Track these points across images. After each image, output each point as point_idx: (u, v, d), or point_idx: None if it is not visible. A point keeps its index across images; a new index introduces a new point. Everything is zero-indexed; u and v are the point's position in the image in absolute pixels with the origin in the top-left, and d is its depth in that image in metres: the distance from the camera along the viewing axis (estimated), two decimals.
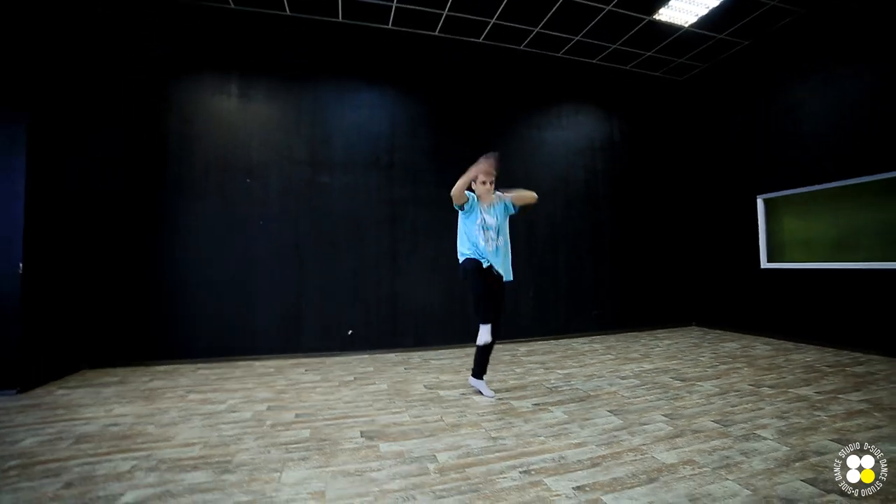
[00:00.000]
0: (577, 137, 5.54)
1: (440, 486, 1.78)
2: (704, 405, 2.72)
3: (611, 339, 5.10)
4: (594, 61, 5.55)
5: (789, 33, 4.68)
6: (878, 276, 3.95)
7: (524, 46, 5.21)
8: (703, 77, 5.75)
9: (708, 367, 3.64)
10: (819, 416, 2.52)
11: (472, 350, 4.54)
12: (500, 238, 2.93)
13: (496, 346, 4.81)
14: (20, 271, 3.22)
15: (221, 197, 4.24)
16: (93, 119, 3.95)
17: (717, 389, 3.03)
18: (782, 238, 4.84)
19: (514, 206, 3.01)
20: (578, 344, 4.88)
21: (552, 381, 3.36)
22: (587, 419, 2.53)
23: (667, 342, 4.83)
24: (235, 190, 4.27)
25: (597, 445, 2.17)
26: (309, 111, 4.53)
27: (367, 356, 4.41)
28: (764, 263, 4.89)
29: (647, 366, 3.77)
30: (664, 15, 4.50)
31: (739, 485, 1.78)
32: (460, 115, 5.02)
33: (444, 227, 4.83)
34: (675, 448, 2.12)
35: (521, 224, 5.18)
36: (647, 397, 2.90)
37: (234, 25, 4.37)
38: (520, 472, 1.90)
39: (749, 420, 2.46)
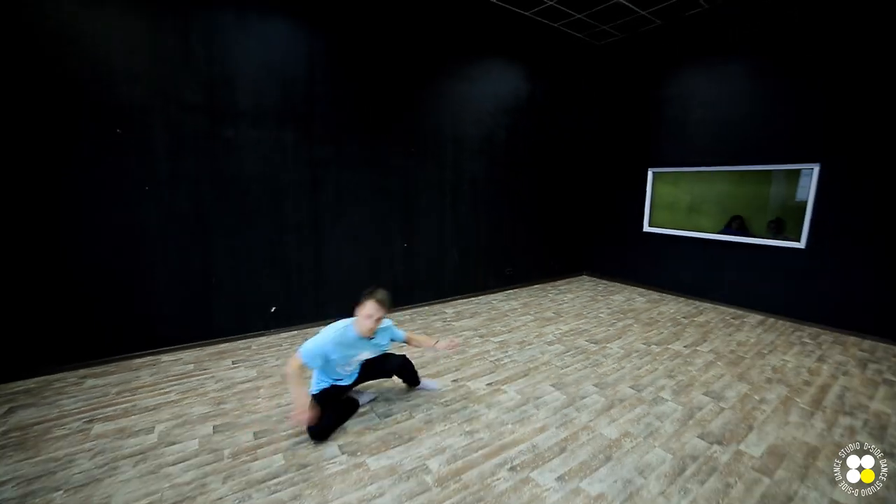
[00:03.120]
0: (504, 94, 5.46)
1: (448, 502, 1.92)
2: (619, 370, 3.35)
3: (523, 294, 5.70)
4: (527, 13, 5.32)
5: (696, 22, 5.14)
6: (717, 244, 5.14)
7: None
8: (619, 46, 6.05)
9: (609, 326, 4.41)
10: (691, 371, 3.34)
11: (400, 315, 4.68)
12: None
13: (426, 309, 4.97)
14: None
15: (85, 152, 3.13)
16: None
17: (622, 351, 3.73)
18: (660, 205, 5.82)
19: (403, 340, 2.78)
20: (497, 301, 5.34)
21: (492, 353, 3.68)
22: (538, 398, 2.90)
23: (569, 297, 5.62)
24: (103, 143, 3.19)
25: (556, 428, 2.54)
26: (202, 39, 3.46)
27: (295, 332, 4.12)
28: (646, 227, 5.86)
29: (563, 327, 4.38)
30: None
31: (664, 450, 2.33)
32: (388, 58, 4.43)
33: (371, 191, 4.51)
34: (613, 421, 2.62)
35: (447, 186, 5.12)
36: (576, 366, 3.43)
37: None
38: (507, 471, 2.15)
39: (652, 382, 3.14)
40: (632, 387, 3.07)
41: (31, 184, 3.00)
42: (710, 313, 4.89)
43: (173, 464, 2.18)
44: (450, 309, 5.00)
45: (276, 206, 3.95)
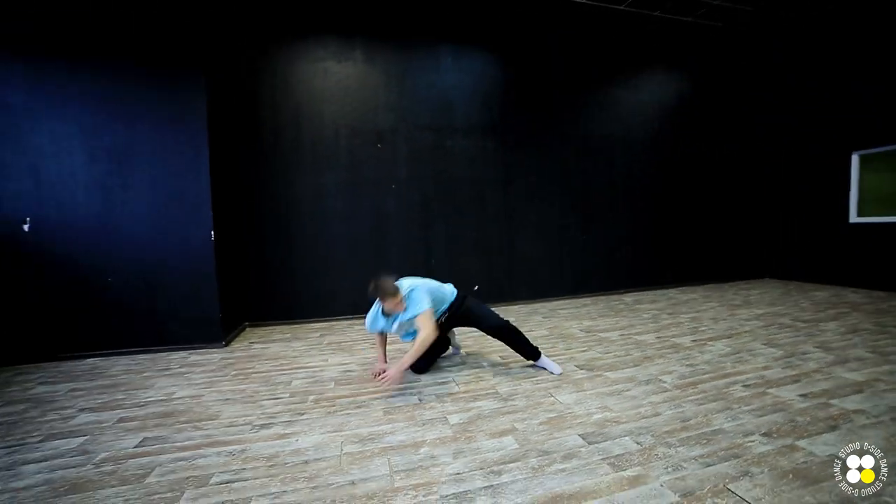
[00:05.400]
0: (668, 97, 5.68)
1: (691, 398, 2.24)
2: (846, 341, 3.14)
3: (699, 290, 5.55)
4: (688, 19, 5.58)
5: None
6: None
7: (625, 6, 5.25)
8: (794, 25, 5.78)
9: (818, 312, 4.08)
10: None
11: (583, 300, 5.04)
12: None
13: (603, 297, 5.26)
14: (212, 239, 3.60)
15: (367, 160, 4.52)
16: (228, 94, 4.18)
17: (844, 329, 3.46)
18: (872, 193, 5.12)
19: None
20: (674, 294, 5.33)
21: (686, 324, 3.80)
22: (750, 350, 2.98)
23: (756, 292, 5.27)
24: (371, 153, 4.54)
25: (781, 368, 2.62)
26: (433, 76, 4.70)
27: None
28: (853, 218, 5.21)
29: (757, 311, 4.22)
30: None
31: None
32: (565, 74, 5.17)
33: (553, 188, 5.15)
34: (853, 371, 2.56)
35: (619, 184, 5.48)
36: (786, 334, 3.35)
37: None
38: (742, 386, 2.36)
39: None
40: (870, 352, 2.89)
41: (326, 186, 4.44)
42: None
43: (451, 367, 2.98)
44: (627, 297, 5.21)
45: (479, 200, 4.87)
